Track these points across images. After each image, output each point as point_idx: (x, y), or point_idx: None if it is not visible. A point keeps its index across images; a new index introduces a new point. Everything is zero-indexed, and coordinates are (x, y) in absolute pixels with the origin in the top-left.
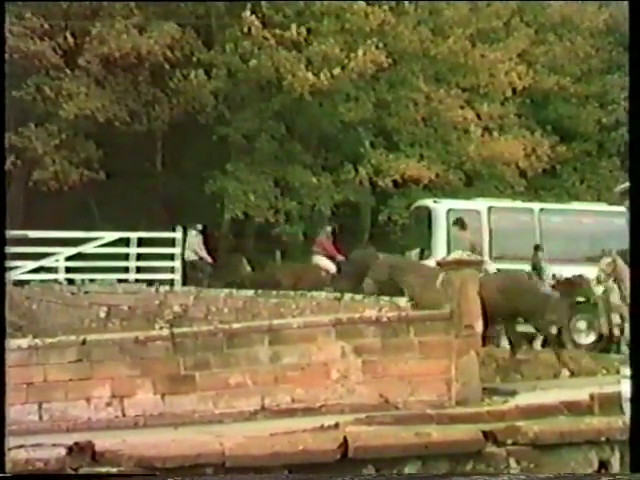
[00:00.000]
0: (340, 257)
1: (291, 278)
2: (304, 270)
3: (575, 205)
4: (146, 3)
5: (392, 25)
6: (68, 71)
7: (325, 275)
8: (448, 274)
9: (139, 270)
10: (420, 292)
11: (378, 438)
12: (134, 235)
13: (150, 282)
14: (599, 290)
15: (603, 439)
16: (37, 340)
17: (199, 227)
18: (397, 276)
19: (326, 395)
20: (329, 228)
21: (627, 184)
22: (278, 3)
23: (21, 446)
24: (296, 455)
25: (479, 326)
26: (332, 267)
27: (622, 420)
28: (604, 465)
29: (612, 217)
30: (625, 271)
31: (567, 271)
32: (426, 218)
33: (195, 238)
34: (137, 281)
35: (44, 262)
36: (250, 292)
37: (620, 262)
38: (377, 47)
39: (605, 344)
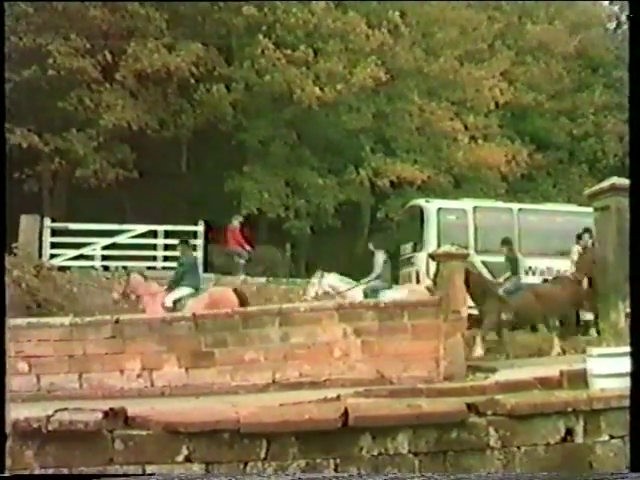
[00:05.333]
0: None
1: None
2: None
3: (549, 206)
4: (175, 25)
5: (390, 46)
6: (107, 85)
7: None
8: (438, 265)
9: (166, 259)
10: None
11: (375, 409)
12: (161, 228)
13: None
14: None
15: (570, 410)
16: (77, 319)
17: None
18: None
19: (329, 371)
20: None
21: (595, 188)
22: (291, 26)
23: (65, 409)
24: (302, 423)
25: (465, 311)
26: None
27: (586, 393)
28: (570, 432)
29: (581, 217)
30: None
31: (542, 264)
32: (419, 216)
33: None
34: (164, 268)
35: (83, 251)
36: (263, 279)
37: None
38: (377, 65)
39: (574, 327)
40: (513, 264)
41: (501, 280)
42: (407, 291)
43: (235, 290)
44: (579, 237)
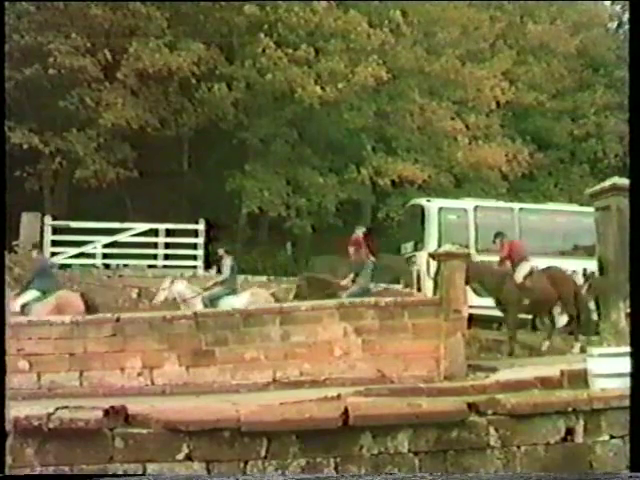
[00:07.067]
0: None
1: None
2: None
3: (550, 205)
4: (176, 24)
5: (391, 45)
6: (107, 84)
7: None
8: (439, 264)
9: (166, 257)
10: None
11: (375, 408)
12: (162, 226)
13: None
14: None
15: (570, 409)
16: (78, 317)
17: None
18: None
19: (330, 370)
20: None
21: (596, 187)
22: (292, 25)
23: (66, 407)
24: (303, 422)
25: (465, 311)
26: None
27: (587, 393)
28: (570, 432)
29: (582, 216)
30: None
31: (542, 263)
32: (420, 215)
33: None
34: (164, 267)
35: (84, 249)
36: (263, 278)
37: None
38: (378, 64)
39: (574, 327)
40: (359, 267)
41: (345, 282)
42: (249, 296)
43: (82, 295)
44: (493, 241)
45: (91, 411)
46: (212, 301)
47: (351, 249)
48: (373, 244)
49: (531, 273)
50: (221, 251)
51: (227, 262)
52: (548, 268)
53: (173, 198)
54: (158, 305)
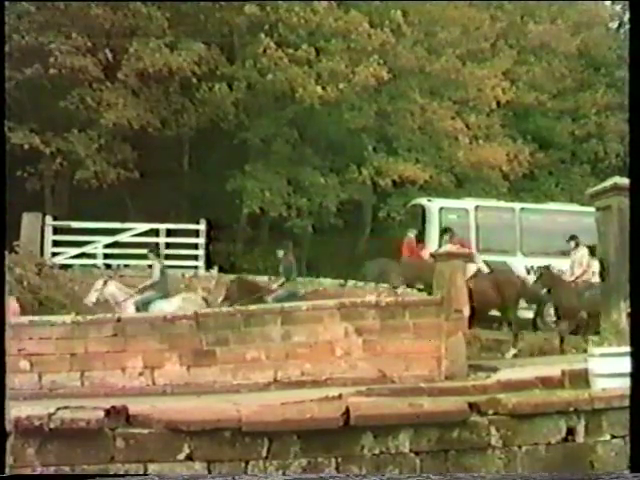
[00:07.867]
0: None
1: None
2: None
3: (551, 205)
4: (177, 24)
5: (392, 45)
6: (108, 84)
7: None
8: (440, 264)
9: (167, 257)
10: None
11: (376, 408)
12: (163, 226)
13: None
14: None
15: (571, 409)
16: (79, 317)
17: None
18: None
19: (331, 370)
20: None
21: (597, 187)
22: (293, 25)
23: (67, 407)
24: (304, 422)
25: (466, 310)
26: None
27: (588, 393)
28: (571, 432)
29: (583, 216)
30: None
31: (543, 263)
32: (421, 215)
33: None
34: (166, 267)
35: (85, 249)
36: (265, 278)
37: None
38: (379, 64)
39: (575, 327)
40: (287, 271)
41: (275, 286)
42: (180, 301)
43: (18, 299)
44: (441, 237)
45: (92, 411)
46: (144, 305)
47: (405, 252)
48: (420, 247)
49: (476, 275)
50: (151, 255)
51: (156, 265)
52: (494, 271)
53: (174, 198)
54: (90, 306)
